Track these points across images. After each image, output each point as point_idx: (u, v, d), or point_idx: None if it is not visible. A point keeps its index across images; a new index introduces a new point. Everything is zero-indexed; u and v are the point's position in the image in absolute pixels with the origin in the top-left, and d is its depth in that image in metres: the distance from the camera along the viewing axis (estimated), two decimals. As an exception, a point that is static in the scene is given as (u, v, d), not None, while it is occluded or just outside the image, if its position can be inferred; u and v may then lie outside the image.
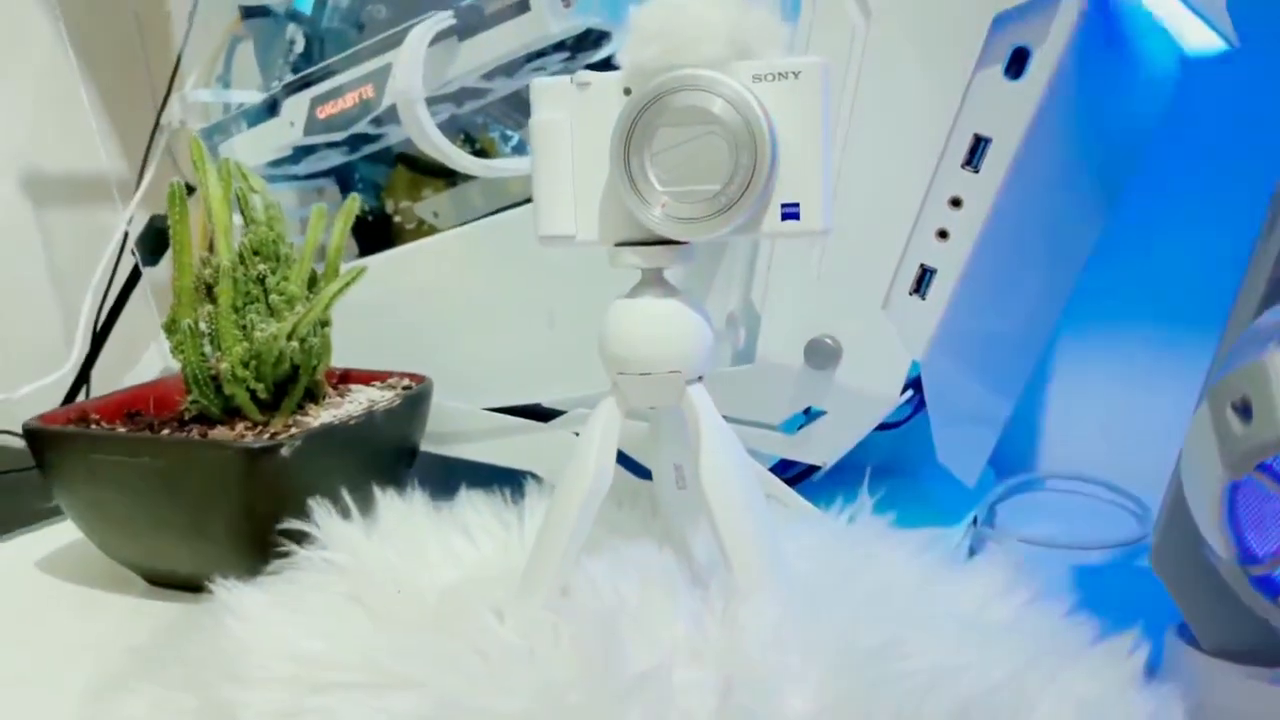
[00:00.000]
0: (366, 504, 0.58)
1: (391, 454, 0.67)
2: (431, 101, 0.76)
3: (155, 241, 0.96)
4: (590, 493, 0.49)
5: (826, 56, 0.46)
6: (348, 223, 0.66)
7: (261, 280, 0.61)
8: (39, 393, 0.92)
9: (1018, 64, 0.56)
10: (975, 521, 0.73)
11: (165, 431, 0.63)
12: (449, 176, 0.86)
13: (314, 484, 0.58)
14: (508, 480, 0.63)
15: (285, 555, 0.56)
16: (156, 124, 1.00)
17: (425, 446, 0.73)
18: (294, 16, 0.88)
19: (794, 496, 0.64)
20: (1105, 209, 0.68)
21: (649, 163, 0.46)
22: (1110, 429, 0.82)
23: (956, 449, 0.68)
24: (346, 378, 0.73)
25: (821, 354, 0.61)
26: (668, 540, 0.53)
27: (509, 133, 0.86)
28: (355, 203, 0.67)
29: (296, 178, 0.90)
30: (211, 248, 0.62)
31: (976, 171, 0.58)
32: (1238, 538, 0.41)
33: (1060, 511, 0.79)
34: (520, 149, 0.85)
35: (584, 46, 0.73)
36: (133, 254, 0.97)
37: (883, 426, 0.79)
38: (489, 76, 0.76)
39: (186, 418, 0.65)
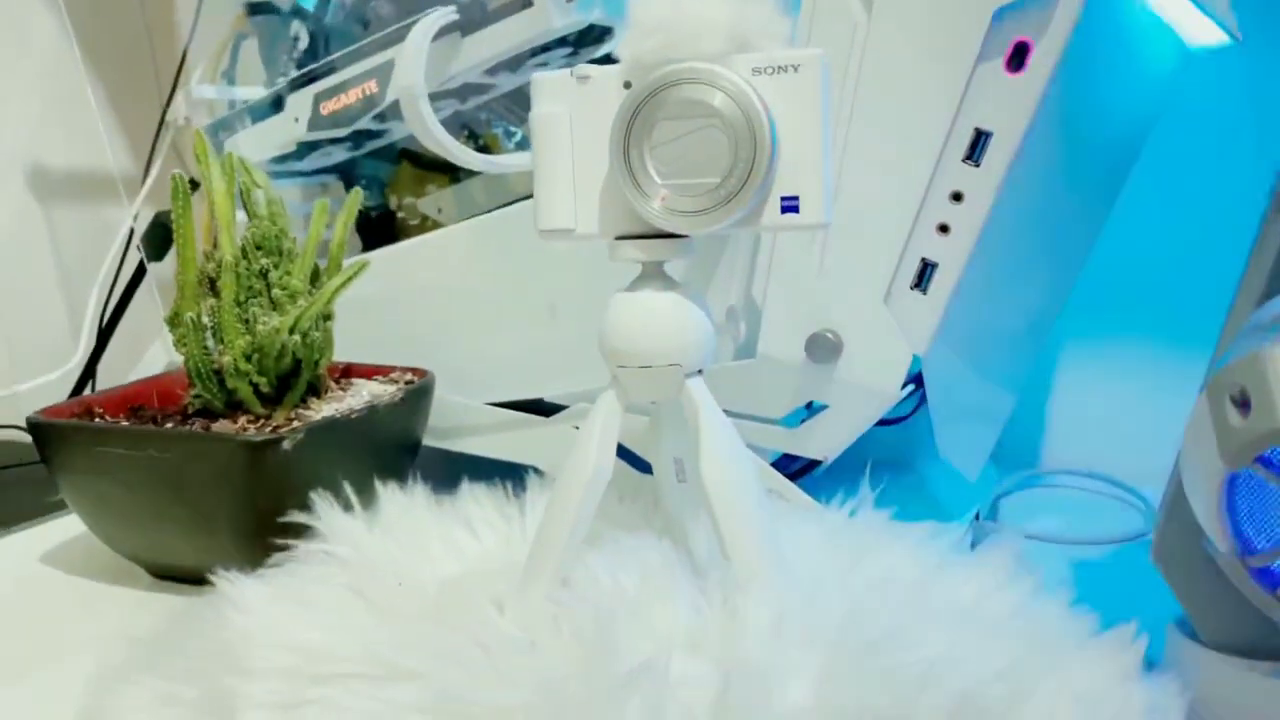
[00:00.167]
0: (368, 497, 0.59)
1: (393, 448, 0.67)
2: (435, 97, 0.76)
3: (160, 238, 0.96)
4: (590, 485, 0.49)
5: (827, 50, 0.46)
6: (350, 217, 0.66)
7: (264, 274, 0.61)
8: (45, 388, 0.93)
9: (1019, 58, 0.56)
10: (978, 517, 0.73)
11: (168, 425, 0.63)
12: (452, 172, 0.86)
13: (316, 477, 0.58)
14: (510, 474, 0.63)
15: (287, 548, 0.56)
16: (162, 120, 1.01)
17: (428, 441, 0.73)
18: (298, 13, 0.89)
19: (795, 491, 0.64)
20: (1107, 203, 0.68)
21: (648, 156, 0.46)
22: (1114, 424, 0.81)
23: (958, 444, 0.68)
24: (349, 372, 0.73)
25: (823, 348, 0.61)
26: (668, 533, 0.54)
27: (512, 129, 0.86)
28: (358, 197, 0.67)
29: (301, 174, 0.90)
30: (215, 243, 0.63)
31: (977, 166, 0.58)
32: (1236, 530, 0.41)
33: (1063, 507, 0.78)
34: (524, 145, 0.85)
35: (587, 42, 0.74)
36: (138, 250, 0.97)
37: (885, 422, 0.79)
38: (492, 72, 0.76)
39: (190, 411, 0.65)
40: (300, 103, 0.82)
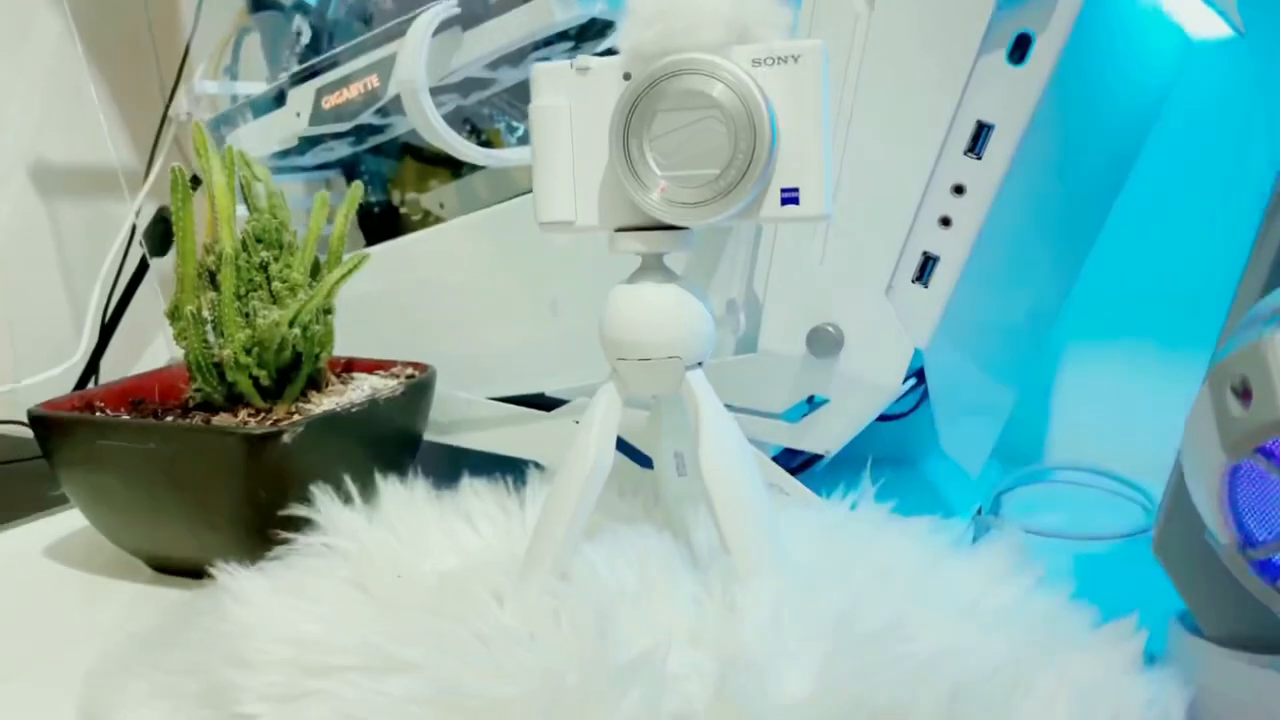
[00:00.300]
0: (369, 491, 0.59)
1: (394, 442, 0.67)
2: (437, 92, 0.76)
3: (162, 233, 0.97)
4: (590, 477, 0.49)
5: (829, 42, 0.46)
6: (350, 210, 0.66)
7: (264, 267, 0.61)
8: (48, 383, 0.93)
9: (1020, 49, 0.56)
10: (980, 512, 0.73)
11: (169, 418, 0.63)
12: (455, 168, 0.86)
13: (316, 471, 0.58)
14: (512, 469, 0.63)
15: (287, 541, 0.56)
16: (164, 116, 1.01)
17: (429, 436, 0.73)
18: (300, 8, 0.89)
19: (796, 485, 0.64)
20: (1110, 196, 0.68)
21: (648, 147, 0.46)
22: (1117, 420, 0.81)
23: (960, 438, 0.68)
24: (351, 366, 0.73)
25: (824, 342, 0.61)
26: (668, 527, 0.54)
27: (515, 124, 0.86)
28: (358, 191, 0.67)
29: (303, 169, 0.90)
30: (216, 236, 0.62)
31: (979, 158, 0.57)
32: (1238, 521, 0.40)
33: (1066, 502, 0.78)
34: (526, 140, 0.85)
35: (589, 36, 0.73)
36: (140, 245, 0.97)
37: (888, 417, 0.79)
38: (494, 66, 0.76)
39: (190, 405, 0.65)
40: (302, 97, 0.82)
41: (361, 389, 0.67)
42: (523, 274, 0.72)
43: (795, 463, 0.71)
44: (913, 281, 0.60)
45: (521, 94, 0.82)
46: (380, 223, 0.90)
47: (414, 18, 0.71)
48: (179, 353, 0.64)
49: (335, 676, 0.45)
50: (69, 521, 0.74)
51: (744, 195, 0.46)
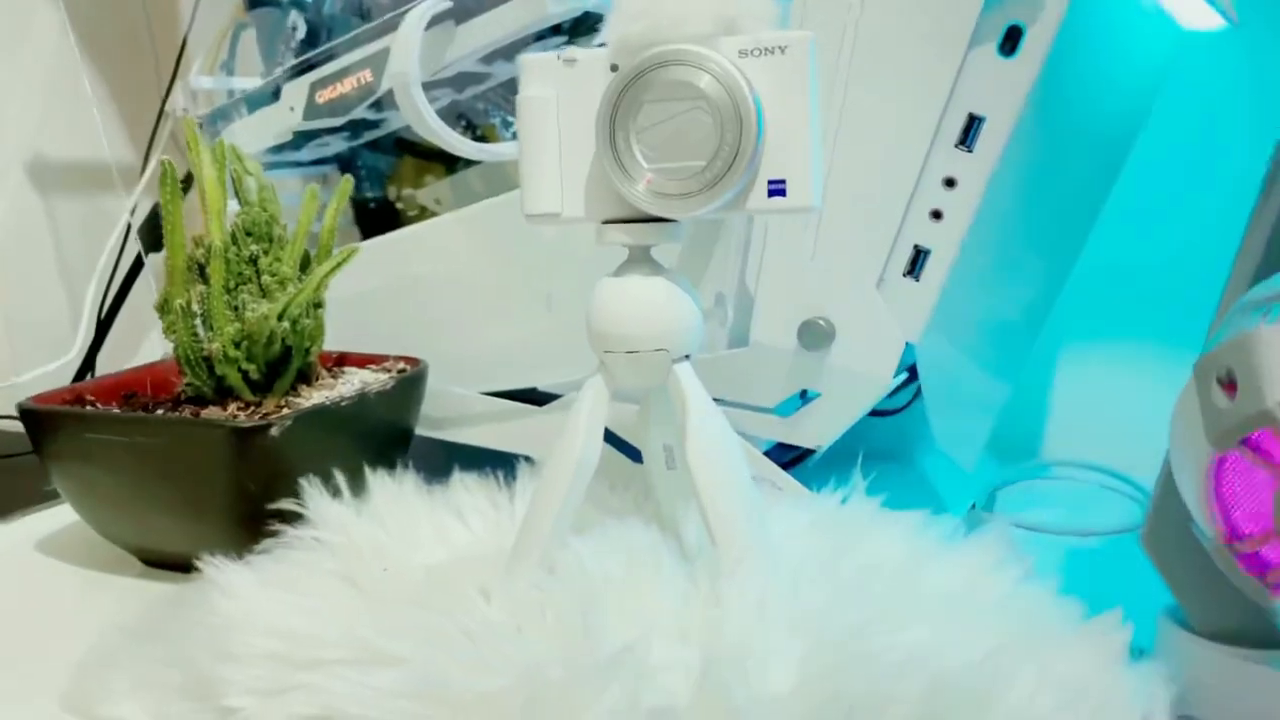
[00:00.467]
0: (358, 485, 0.58)
1: (385, 436, 0.67)
2: (431, 86, 0.76)
3: (158, 229, 0.96)
4: (577, 470, 0.49)
5: (820, 35, 0.46)
6: (341, 203, 0.66)
7: (254, 261, 0.61)
8: (44, 378, 0.93)
9: (1011, 42, 0.55)
10: (974, 507, 0.73)
11: (159, 412, 0.63)
12: (450, 163, 0.86)
13: (305, 464, 0.58)
14: (505, 464, 0.63)
15: (276, 534, 0.56)
16: (161, 111, 1.01)
17: (422, 431, 0.73)
18: (297, 4, 0.89)
19: (786, 478, 0.64)
20: (1103, 189, 0.67)
21: (634, 139, 0.46)
22: (1113, 415, 0.81)
23: (954, 432, 0.68)
24: (343, 361, 0.73)
25: (815, 336, 0.61)
26: (658, 521, 0.53)
27: (510, 118, 0.86)
28: (349, 185, 0.67)
29: (299, 164, 0.90)
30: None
31: (970, 151, 0.57)
32: (1224, 514, 0.40)
33: (1061, 498, 0.78)
34: (520, 134, 0.84)
35: (583, 30, 0.73)
36: (137, 240, 0.97)
37: (883, 412, 0.79)
38: (488, 61, 0.76)
39: (182, 399, 0.65)
40: (296, 92, 0.82)
41: (352, 383, 0.67)
42: (517, 268, 0.72)
43: (788, 457, 0.71)
44: (904, 275, 0.60)
45: (516, 89, 0.81)
46: (376, 218, 0.89)
47: (407, 11, 0.71)
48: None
49: (321, 670, 0.45)
50: (62, 516, 0.74)
51: (730, 187, 0.45)
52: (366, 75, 0.78)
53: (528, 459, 0.64)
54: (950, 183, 0.58)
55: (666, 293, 0.49)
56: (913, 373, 0.67)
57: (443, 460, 0.65)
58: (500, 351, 0.74)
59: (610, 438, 0.68)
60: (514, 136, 0.85)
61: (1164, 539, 0.47)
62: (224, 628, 0.48)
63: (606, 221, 0.49)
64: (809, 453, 0.69)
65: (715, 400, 0.65)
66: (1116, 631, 0.45)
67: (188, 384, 0.64)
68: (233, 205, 0.66)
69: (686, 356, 0.50)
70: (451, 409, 0.75)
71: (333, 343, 0.72)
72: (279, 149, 0.87)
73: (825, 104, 0.58)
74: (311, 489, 0.57)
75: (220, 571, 0.52)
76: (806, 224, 0.60)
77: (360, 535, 0.55)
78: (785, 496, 0.62)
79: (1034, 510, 0.73)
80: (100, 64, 1.07)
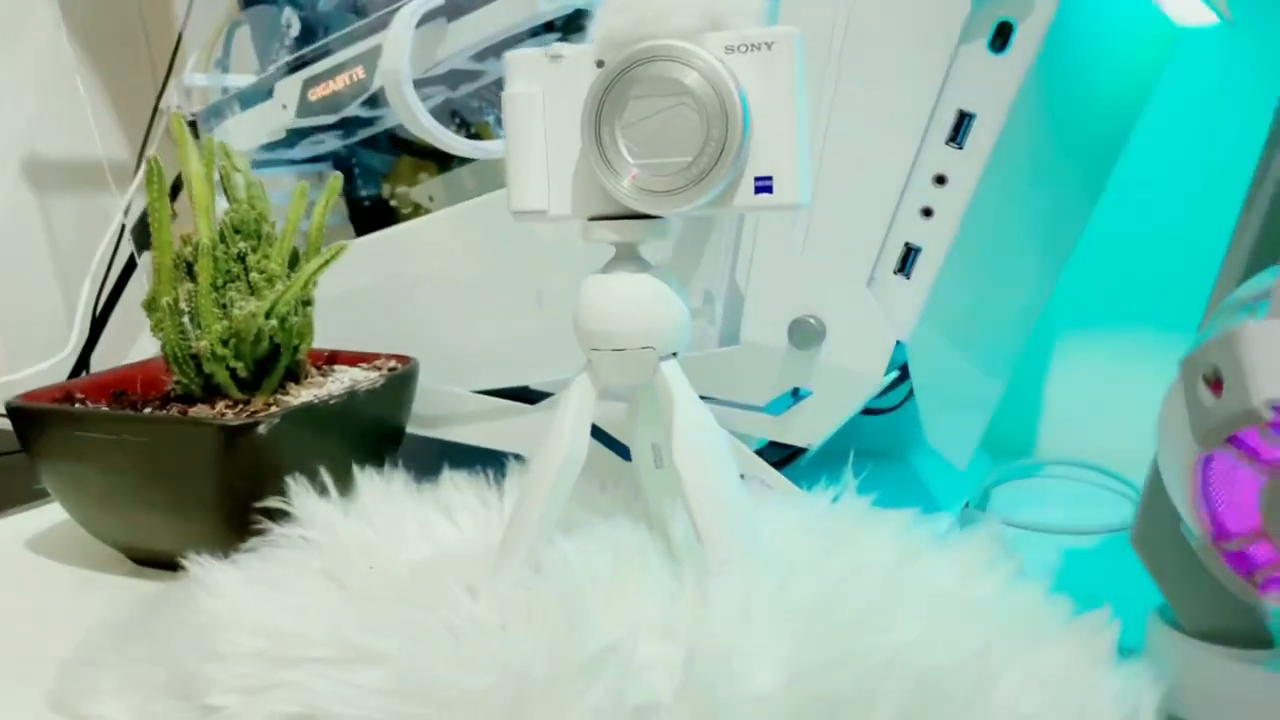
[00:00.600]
0: (347, 483, 0.58)
1: (374, 435, 0.67)
2: (424, 84, 0.76)
3: (153, 226, 0.96)
4: (563, 468, 0.49)
5: (809, 31, 0.45)
6: (329, 200, 0.65)
7: (242, 258, 0.61)
8: (38, 377, 0.93)
9: (1002, 38, 0.55)
10: (968, 506, 0.73)
11: (147, 410, 0.63)
12: (443, 161, 0.85)
13: (294, 462, 0.58)
14: (496, 462, 0.63)
15: (263, 533, 0.56)
16: (155, 109, 1.01)
17: (414, 429, 0.73)
18: (291, 1, 0.88)
19: (777, 477, 0.64)
20: (1097, 186, 0.67)
21: (620, 134, 0.46)
22: (1108, 414, 0.80)
23: (946, 431, 0.68)
24: (334, 359, 0.73)
25: (805, 334, 0.60)
26: (646, 520, 0.53)
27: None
28: (338, 182, 0.66)
29: (293, 162, 0.90)
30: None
31: (961, 148, 0.57)
32: (1211, 512, 0.40)
33: (1056, 496, 0.78)
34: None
35: (575, 27, 0.73)
36: (130, 239, 0.97)
37: (877, 411, 0.78)
38: (480, 58, 0.75)
39: (171, 397, 0.65)
40: (289, 89, 0.82)
41: (342, 381, 0.67)
42: (508, 266, 0.72)
43: (780, 456, 0.71)
44: (895, 273, 0.59)
45: (508, 85, 0.81)
46: (371, 216, 0.89)
47: (399, 9, 0.70)
48: (168, 345, 0.64)
49: (304, 668, 0.45)
50: (53, 514, 0.74)
51: (716, 183, 0.45)
52: (359, 72, 0.78)
53: (518, 457, 0.63)
54: (941, 180, 0.58)
55: (653, 290, 0.48)
56: (905, 371, 0.66)
57: (435, 458, 0.65)
58: (492, 349, 0.74)
59: (602, 436, 0.68)
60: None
61: (1153, 538, 0.46)
62: (208, 626, 0.48)
63: (593, 218, 0.48)
64: (801, 451, 0.68)
65: (706, 398, 0.65)
66: (1104, 630, 0.45)
67: (177, 382, 0.64)
68: (224, 203, 0.66)
69: (674, 354, 0.49)
70: (443, 407, 0.75)
71: (325, 341, 0.72)
72: (273, 147, 0.87)
73: (815, 100, 0.58)
74: (299, 487, 0.56)
75: (206, 570, 0.52)
76: (796, 221, 0.60)
77: (347, 533, 0.55)
78: (775, 495, 0.61)
79: (1028, 509, 0.73)
80: (96, 61, 1.07)
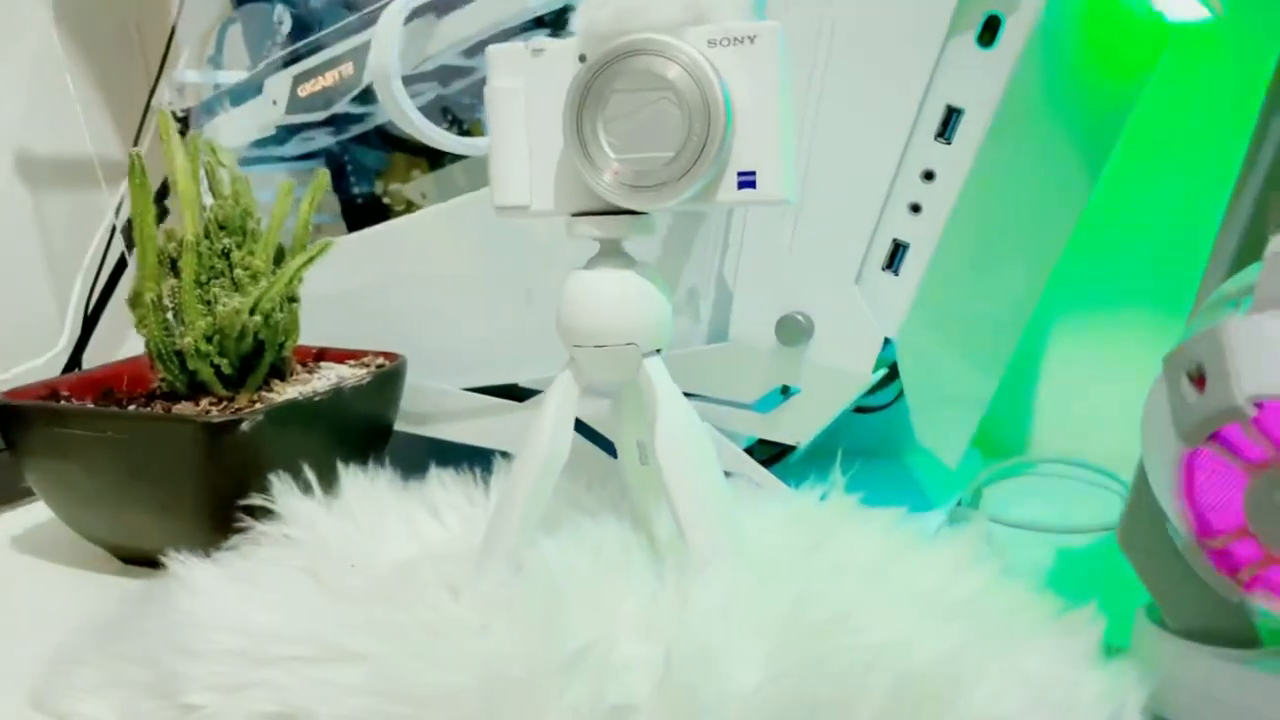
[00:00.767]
0: (332, 480, 0.58)
1: (361, 432, 0.67)
2: (415, 80, 0.75)
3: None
4: (544, 465, 0.48)
5: (797, 25, 0.45)
6: (315, 197, 0.65)
7: (226, 255, 0.61)
8: (30, 374, 0.93)
9: (990, 32, 0.55)
10: (959, 504, 0.72)
11: (131, 407, 0.63)
12: (435, 158, 0.85)
13: (278, 460, 0.57)
14: (484, 460, 0.62)
15: (246, 531, 0.55)
16: (147, 106, 1.00)
17: (403, 426, 0.73)
18: (284, -2, 0.88)
19: (765, 475, 0.63)
20: (1088, 183, 0.66)
21: (601, 129, 0.46)
22: (1101, 412, 0.80)
23: (936, 429, 0.67)
24: (322, 356, 0.73)
25: (793, 330, 0.60)
26: (631, 517, 0.53)
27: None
28: (324, 178, 0.66)
29: (285, 159, 0.90)
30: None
31: (949, 143, 0.56)
32: (1195, 510, 0.39)
33: (1048, 494, 0.77)
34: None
35: (564, 22, 0.72)
36: (122, 235, 0.97)
37: (870, 409, 0.78)
38: (470, 54, 0.75)
39: (158, 394, 0.65)
40: (279, 85, 0.82)
41: (328, 378, 0.67)
42: (498, 263, 0.72)
43: (772, 453, 0.70)
44: (883, 269, 0.59)
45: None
46: (364, 213, 0.89)
47: (388, 4, 0.70)
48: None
49: (282, 666, 0.45)
50: (40, 513, 0.74)
51: (698, 178, 0.45)
52: (348, 69, 0.78)
53: (506, 454, 0.63)
54: (929, 175, 0.57)
55: (636, 287, 0.48)
56: (897, 368, 0.66)
57: (423, 456, 0.65)
58: (481, 347, 0.73)
59: (591, 434, 0.67)
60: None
61: (1140, 537, 0.46)
62: (187, 624, 0.48)
63: (576, 214, 0.48)
64: (793, 448, 0.68)
65: (694, 396, 0.65)
66: (1087, 629, 0.44)
67: (162, 379, 0.63)
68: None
69: (658, 351, 0.49)
70: (432, 405, 0.74)
71: (316, 338, 0.72)
72: (264, 144, 0.87)
73: (802, 96, 0.57)
74: (282, 485, 0.56)
75: (186, 568, 0.52)
76: (784, 217, 0.60)
77: (329, 531, 0.54)
78: (763, 493, 0.61)
79: (1021, 507, 0.73)
80: (89, 58, 1.07)
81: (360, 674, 0.43)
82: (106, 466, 0.59)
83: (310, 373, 0.68)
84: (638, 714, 0.39)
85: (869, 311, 0.59)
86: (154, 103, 0.98)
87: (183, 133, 0.77)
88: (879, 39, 0.56)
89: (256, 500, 0.56)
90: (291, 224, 0.68)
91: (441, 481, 0.61)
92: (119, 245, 0.98)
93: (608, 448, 0.65)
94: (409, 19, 0.70)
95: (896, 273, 0.59)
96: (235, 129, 0.86)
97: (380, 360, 0.71)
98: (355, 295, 0.77)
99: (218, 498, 0.58)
